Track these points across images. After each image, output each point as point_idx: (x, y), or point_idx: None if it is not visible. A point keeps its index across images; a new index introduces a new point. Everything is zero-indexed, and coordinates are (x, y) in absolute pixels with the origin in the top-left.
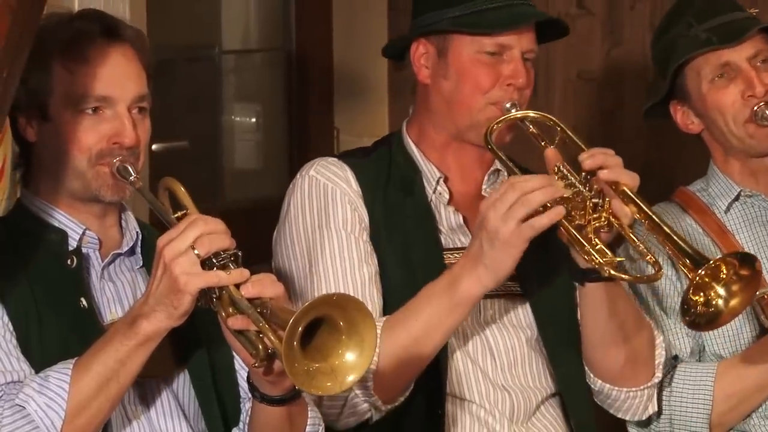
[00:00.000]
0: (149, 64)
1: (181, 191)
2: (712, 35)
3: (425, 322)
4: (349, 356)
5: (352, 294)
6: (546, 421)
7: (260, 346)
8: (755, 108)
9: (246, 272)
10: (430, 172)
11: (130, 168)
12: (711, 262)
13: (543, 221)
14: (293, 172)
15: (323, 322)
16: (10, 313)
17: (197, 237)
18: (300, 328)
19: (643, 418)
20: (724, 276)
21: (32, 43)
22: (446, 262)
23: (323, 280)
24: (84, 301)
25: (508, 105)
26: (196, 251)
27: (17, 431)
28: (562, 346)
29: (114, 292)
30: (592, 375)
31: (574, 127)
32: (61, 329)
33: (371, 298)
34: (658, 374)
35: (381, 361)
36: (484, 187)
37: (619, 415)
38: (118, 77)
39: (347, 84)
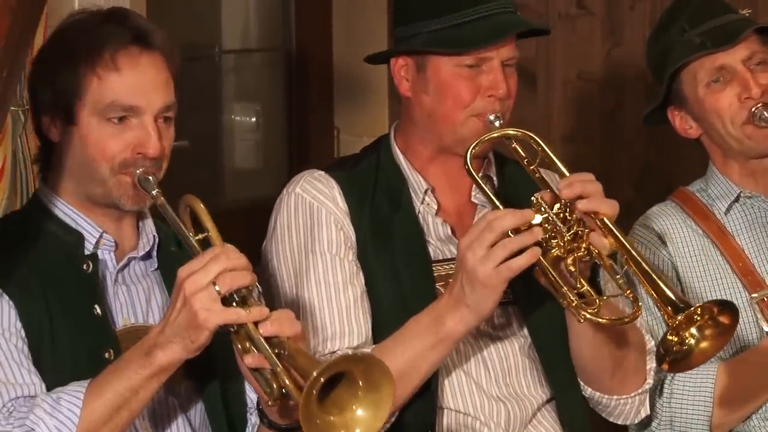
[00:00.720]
0: (178, 72)
1: (201, 209)
2: (706, 39)
3: (410, 356)
4: (363, 413)
5: (337, 318)
6: (542, 428)
7: (275, 385)
8: (753, 109)
9: (265, 310)
10: (416, 183)
11: (151, 179)
12: (691, 308)
13: (521, 262)
14: (293, 172)
15: (342, 376)
16: (23, 318)
17: (219, 273)
18: (320, 383)
19: (636, 421)
20: (699, 319)
21: (60, 43)
22: (436, 273)
23: (308, 305)
24: (98, 308)
25: (491, 117)
26: (216, 287)
27: None
28: (555, 352)
29: (127, 296)
30: (582, 383)
31: (574, 127)
32: (73, 335)
33: (356, 320)
34: (649, 380)
35: None
36: (473, 194)
37: (611, 419)
38: (147, 87)
39: (347, 84)
